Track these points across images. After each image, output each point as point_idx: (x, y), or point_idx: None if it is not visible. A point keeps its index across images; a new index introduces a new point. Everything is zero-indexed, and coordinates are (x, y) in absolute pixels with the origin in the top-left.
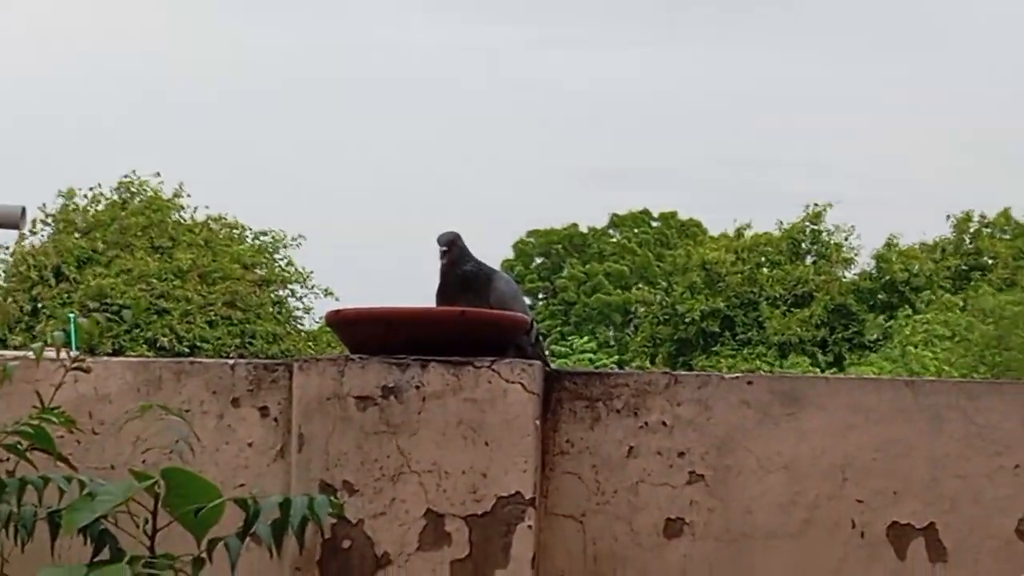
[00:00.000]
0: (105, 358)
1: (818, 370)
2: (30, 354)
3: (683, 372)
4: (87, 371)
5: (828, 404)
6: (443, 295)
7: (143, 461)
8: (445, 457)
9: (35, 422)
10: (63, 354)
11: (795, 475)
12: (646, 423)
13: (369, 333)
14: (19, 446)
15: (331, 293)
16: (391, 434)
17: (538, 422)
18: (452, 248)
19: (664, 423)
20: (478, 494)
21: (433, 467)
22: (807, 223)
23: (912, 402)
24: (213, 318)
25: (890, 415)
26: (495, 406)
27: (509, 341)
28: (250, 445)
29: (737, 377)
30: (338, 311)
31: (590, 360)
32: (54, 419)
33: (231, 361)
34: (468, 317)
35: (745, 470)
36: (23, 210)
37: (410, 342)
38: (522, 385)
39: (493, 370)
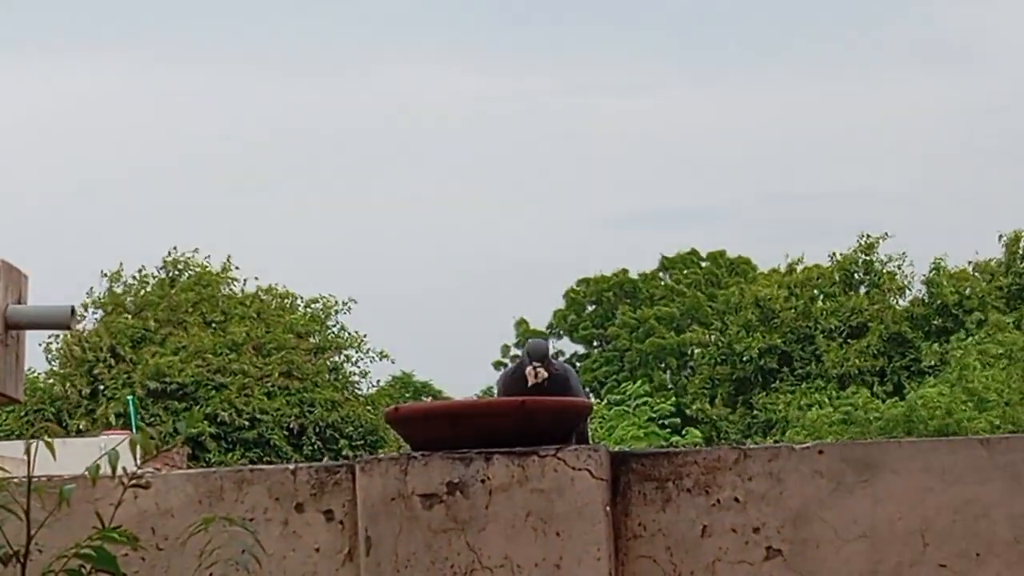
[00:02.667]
0: (164, 472)
1: (879, 401)
2: (86, 474)
3: (752, 446)
4: (146, 487)
5: (902, 468)
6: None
7: (210, 575)
8: (516, 551)
9: (96, 543)
10: (120, 471)
11: (874, 543)
12: (718, 500)
13: (429, 428)
14: (82, 569)
15: (386, 356)
16: (459, 531)
17: (608, 508)
18: (547, 367)
19: (736, 499)
20: None
21: (505, 562)
22: (860, 254)
23: (988, 461)
24: (271, 389)
25: (966, 475)
26: (563, 495)
27: (572, 427)
28: (317, 550)
29: (808, 447)
30: (396, 408)
31: (647, 403)
32: (116, 538)
33: (292, 466)
34: (529, 406)
35: (823, 541)
36: (72, 309)
37: (472, 435)
38: (589, 472)
39: (558, 458)
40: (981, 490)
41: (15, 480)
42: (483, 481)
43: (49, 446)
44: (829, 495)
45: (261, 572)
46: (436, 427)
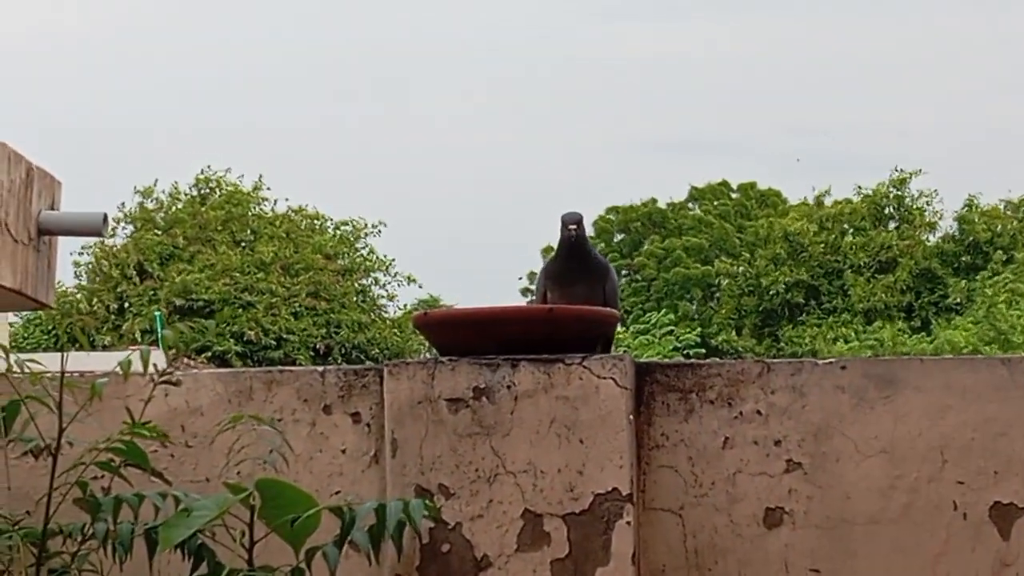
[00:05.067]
0: (195, 370)
1: (905, 336)
2: (118, 370)
3: (776, 360)
4: (177, 384)
5: (924, 385)
6: (563, 276)
7: (237, 473)
8: (540, 456)
9: (127, 438)
10: (152, 368)
11: (894, 459)
12: (741, 413)
13: (457, 334)
14: (112, 463)
15: (414, 280)
16: (485, 435)
17: (632, 417)
18: (580, 227)
19: (759, 412)
20: (575, 492)
21: (528, 467)
22: (891, 188)
23: (1009, 380)
24: (298, 309)
25: (987, 394)
26: (588, 403)
27: (599, 336)
28: (343, 452)
29: (831, 362)
30: (425, 313)
31: (672, 333)
32: (146, 433)
33: (321, 368)
34: (557, 314)
35: (843, 456)
36: (105, 216)
37: (499, 341)
38: (614, 380)
39: (584, 367)
40: (1001, 409)
41: (48, 375)
42: (509, 387)
43: (82, 337)
44: (851, 410)
45: (288, 472)
46: (464, 333)
